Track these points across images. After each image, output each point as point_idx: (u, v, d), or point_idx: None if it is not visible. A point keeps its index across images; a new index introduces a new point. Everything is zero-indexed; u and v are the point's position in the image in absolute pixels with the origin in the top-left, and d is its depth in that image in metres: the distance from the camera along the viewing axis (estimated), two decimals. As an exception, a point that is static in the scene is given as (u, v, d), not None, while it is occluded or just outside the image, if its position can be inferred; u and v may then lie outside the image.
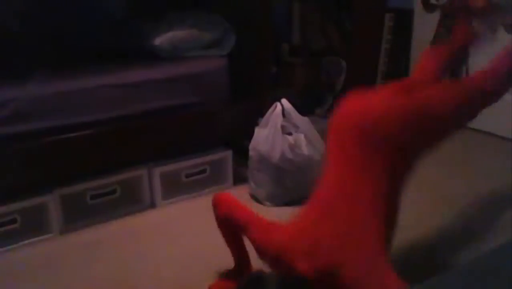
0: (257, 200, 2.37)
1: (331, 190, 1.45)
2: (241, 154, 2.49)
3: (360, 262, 1.31)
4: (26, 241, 2.06)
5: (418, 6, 3.35)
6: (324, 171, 1.49)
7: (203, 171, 2.44)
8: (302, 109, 2.44)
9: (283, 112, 2.32)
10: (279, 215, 2.26)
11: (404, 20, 3.44)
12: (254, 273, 1.68)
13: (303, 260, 1.33)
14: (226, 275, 1.76)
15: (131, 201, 2.30)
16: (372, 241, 1.35)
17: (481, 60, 3.05)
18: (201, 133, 2.43)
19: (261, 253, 1.50)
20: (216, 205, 1.67)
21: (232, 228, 1.63)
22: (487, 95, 1.68)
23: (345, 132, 1.48)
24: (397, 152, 1.44)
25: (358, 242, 1.34)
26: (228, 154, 2.50)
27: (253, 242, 1.52)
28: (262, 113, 2.37)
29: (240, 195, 2.43)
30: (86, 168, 2.17)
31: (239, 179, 2.53)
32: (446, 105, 1.55)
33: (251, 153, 2.37)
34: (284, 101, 2.34)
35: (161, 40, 2.40)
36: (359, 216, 1.37)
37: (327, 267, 1.30)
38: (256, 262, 1.61)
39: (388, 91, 1.58)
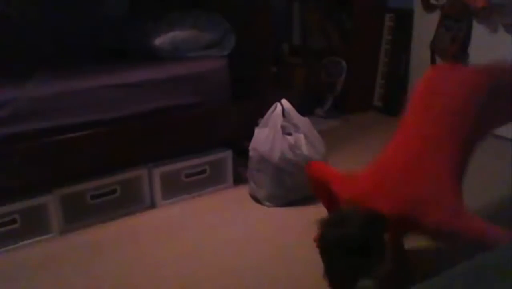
0: (257, 200, 2.37)
1: (415, 142, 1.65)
2: (241, 154, 2.49)
3: (444, 205, 1.48)
4: (26, 241, 2.06)
5: (418, 6, 3.35)
6: (403, 126, 1.73)
7: (203, 171, 2.44)
8: (302, 109, 2.44)
9: (283, 113, 2.32)
10: (279, 216, 2.27)
11: (404, 20, 3.44)
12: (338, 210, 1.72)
13: (386, 202, 1.48)
14: None
15: (131, 201, 2.30)
16: (454, 189, 1.56)
17: (481, 60, 3.06)
18: (201, 133, 2.43)
19: (345, 202, 1.63)
20: (308, 170, 1.93)
21: (323, 189, 1.79)
22: None
23: (435, 98, 1.74)
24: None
25: (440, 187, 1.53)
26: (228, 154, 2.49)
27: (339, 194, 1.67)
28: (262, 114, 2.37)
29: (240, 195, 2.43)
30: (86, 168, 2.17)
31: (239, 179, 2.53)
32: None
33: (251, 153, 2.37)
34: (284, 101, 2.34)
35: (161, 40, 2.40)
36: (442, 166, 1.57)
37: (410, 206, 1.47)
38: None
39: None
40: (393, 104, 3.54)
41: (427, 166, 1.57)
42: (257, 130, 2.37)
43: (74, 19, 2.67)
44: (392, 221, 1.46)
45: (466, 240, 1.44)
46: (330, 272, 1.49)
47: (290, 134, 2.31)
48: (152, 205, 2.35)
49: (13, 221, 2.02)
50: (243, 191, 2.46)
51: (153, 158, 2.33)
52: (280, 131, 2.29)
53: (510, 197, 2.30)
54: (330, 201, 1.82)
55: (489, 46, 2.99)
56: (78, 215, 2.17)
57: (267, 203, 2.34)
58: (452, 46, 3.17)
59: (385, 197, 1.51)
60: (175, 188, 2.38)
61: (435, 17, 3.26)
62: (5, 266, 1.93)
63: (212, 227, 2.17)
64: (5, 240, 2.01)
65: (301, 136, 2.30)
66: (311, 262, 1.90)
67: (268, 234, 2.11)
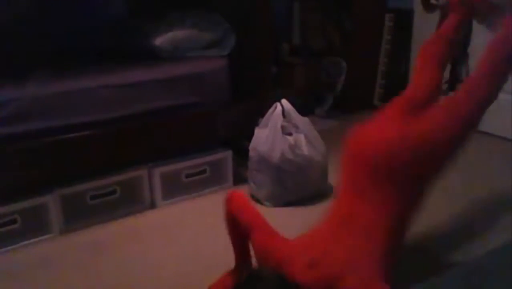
0: (257, 200, 2.37)
1: (340, 217, 1.51)
2: (241, 154, 2.49)
3: (359, 279, 1.36)
4: (26, 241, 2.06)
5: (418, 6, 3.35)
6: (337, 199, 1.57)
7: (203, 171, 2.44)
8: (302, 110, 2.44)
9: (283, 113, 2.32)
10: (279, 216, 2.27)
11: (404, 20, 3.44)
12: (253, 271, 1.68)
13: (304, 272, 1.38)
14: (226, 275, 1.76)
15: (131, 201, 2.30)
16: (372, 264, 1.40)
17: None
18: (201, 133, 2.43)
19: (260, 257, 1.53)
20: (227, 201, 1.68)
21: (238, 227, 1.63)
22: (485, 99, 1.59)
23: (357, 164, 1.55)
24: (409, 181, 1.49)
25: (358, 263, 1.39)
26: (228, 154, 2.49)
27: (255, 245, 1.55)
28: (262, 113, 2.37)
29: (240, 195, 2.43)
30: (86, 168, 2.17)
31: (239, 179, 2.53)
32: (451, 128, 1.54)
33: (251, 153, 2.37)
34: (284, 101, 2.34)
35: (161, 40, 2.40)
36: (363, 243, 1.42)
37: (328, 279, 1.36)
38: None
39: (393, 115, 1.58)
40: (393, 104, 3.55)
41: (347, 242, 1.44)
42: (257, 130, 2.37)
43: (74, 19, 2.68)
44: None
45: None
46: None
47: (290, 134, 2.31)
48: (152, 205, 2.35)
49: (13, 221, 2.02)
50: (243, 191, 2.45)
51: (153, 158, 2.33)
52: (280, 131, 2.29)
53: (510, 197, 2.30)
54: (241, 243, 1.68)
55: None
56: (78, 215, 2.17)
57: (267, 203, 2.34)
58: (452, 46, 3.17)
59: (302, 267, 1.39)
60: (175, 188, 2.38)
61: (435, 17, 3.26)
62: (5, 266, 1.93)
63: (213, 227, 2.17)
64: (5, 240, 2.01)
65: (301, 136, 2.30)
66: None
67: (268, 234, 2.11)
